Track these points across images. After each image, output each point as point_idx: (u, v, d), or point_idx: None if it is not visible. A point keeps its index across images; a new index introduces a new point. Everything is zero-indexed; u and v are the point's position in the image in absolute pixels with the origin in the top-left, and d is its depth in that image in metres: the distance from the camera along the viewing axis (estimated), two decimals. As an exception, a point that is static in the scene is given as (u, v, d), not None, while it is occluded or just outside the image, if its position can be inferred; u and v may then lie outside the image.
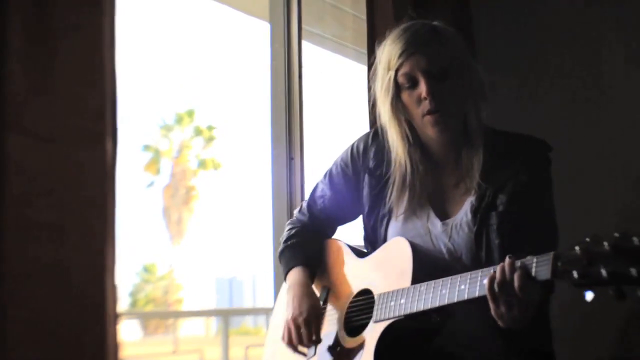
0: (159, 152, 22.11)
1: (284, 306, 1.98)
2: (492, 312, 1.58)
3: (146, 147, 22.18)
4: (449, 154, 1.88)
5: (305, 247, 2.02)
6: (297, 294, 1.93)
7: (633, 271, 1.34)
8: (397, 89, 1.83)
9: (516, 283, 1.52)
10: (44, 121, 1.47)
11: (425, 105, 1.80)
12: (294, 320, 1.89)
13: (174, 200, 21.66)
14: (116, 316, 1.59)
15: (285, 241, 2.05)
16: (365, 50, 2.56)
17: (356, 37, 2.81)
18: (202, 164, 22.11)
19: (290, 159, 2.48)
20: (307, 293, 1.93)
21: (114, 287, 1.59)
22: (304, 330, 1.88)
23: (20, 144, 1.43)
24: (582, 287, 1.40)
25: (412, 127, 1.87)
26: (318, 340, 1.88)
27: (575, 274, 1.40)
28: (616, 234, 1.38)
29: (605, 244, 1.38)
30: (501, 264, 1.55)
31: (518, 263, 1.53)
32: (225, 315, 7.19)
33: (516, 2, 3.23)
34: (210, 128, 22.17)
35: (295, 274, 1.98)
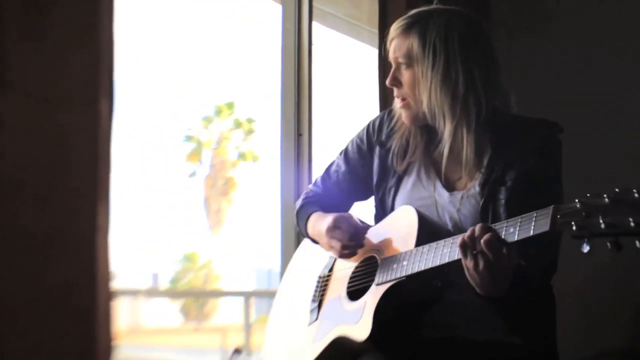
0: (200, 143, 22.31)
1: (301, 260, 2.03)
2: (465, 269, 1.61)
3: (188, 138, 22.41)
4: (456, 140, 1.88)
5: (321, 203, 2.07)
6: (320, 221, 1.96)
7: (631, 221, 1.35)
8: None
9: (483, 238, 1.56)
10: (37, 82, 1.51)
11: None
12: (328, 230, 1.90)
13: (213, 191, 21.86)
14: (109, 273, 1.62)
15: (303, 199, 2.10)
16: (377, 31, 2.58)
17: (371, 18, 2.83)
18: (241, 156, 22.28)
19: (299, 135, 2.51)
20: (327, 214, 1.96)
21: (106, 247, 1.62)
22: (344, 226, 1.89)
23: (12, 104, 1.48)
24: (580, 239, 1.41)
25: None
26: (366, 228, 1.91)
27: (573, 225, 1.41)
28: (616, 189, 1.39)
29: (605, 196, 1.39)
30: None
31: (505, 224, 1.57)
32: (249, 297, 7.25)
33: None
34: (249, 120, 22.32)
35: (315, 217, 2.01)
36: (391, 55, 1.91)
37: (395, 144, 1.95)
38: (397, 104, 1.92)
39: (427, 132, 1.93)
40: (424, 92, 1.84)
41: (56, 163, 1.53)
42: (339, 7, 2.79)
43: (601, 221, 1.38)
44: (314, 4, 2.55)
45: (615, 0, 3.15)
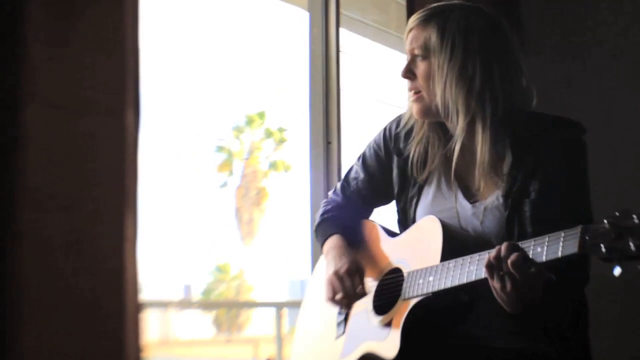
0: (231, 153, 22.40)
1: (323, 274, 1.98)
2: (492, 289, 1.59)
3: (220, 148, 22.51)
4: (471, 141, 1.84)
5: (341, 219, 2.04)
6: (336, 254, 1.93)
7: None
8: None
9: (510, 259, 1.53)
10: (62, 92, 1.50)
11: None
12: (336, 273, 1.88)
13: (244, 201, 21.92)
14: (137, 282, 1.61)
15: (322, 214, 2.07)
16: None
17: (399, 24, 2.81)
18: (272, 166, 22.32)
19: (328, 143, 2.50)
20: (346, 252, 1.94)
21: (134, 256, 1.60)
22: (348, 282, 1.86)
23: (37, 114, 1.47)
24: (610, 262, 1.38)
25: None
26: (363, 292, 1.86)
27: (603, 247, 1.38)
28: None
29: (635, 217, 1.36)
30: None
31: (532, 243, 1.54)
32: (281, 308, 7.23)
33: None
34: (280, 130, 22.37)
35: (332, 241, 1.99)
36: (407, 47, 1.88)
37: (413, 152, 1.91)
38: (409, 97, 1.89)
39: (445, 138, 1.88)
40: (439, 84, 1.80)
41: (82, 173, 1.52)
42: (366, 13, 2.78)
43: (631, 244, 1.35)
44: (341, 10, 2.54)
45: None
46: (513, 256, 1.53)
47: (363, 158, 2.05)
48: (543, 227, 1.63)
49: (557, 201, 1.73)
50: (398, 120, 1.99)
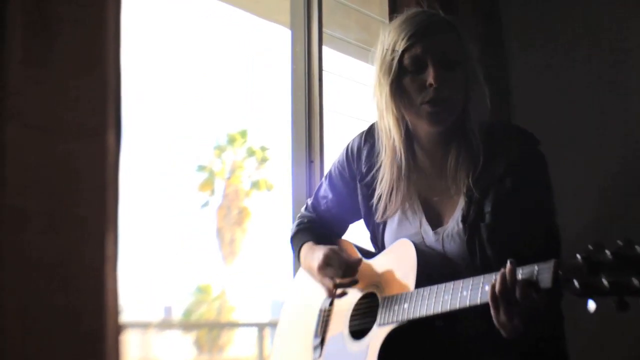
0: (213, 173, 22.31)
1: (301, 288, 1.99)
2: (494, 320, 1.54)
3: (201, 168, 22.41)
4: (437, 154, 1.83)
5: (316, 230, 2.04)
6: (313, 257, 1.91)
7: (635, 281, 1.30)
8: (400, 72, 1.76)
9: (517, 292, 1.48)
10: (42, 113, 1.48)
11: (429, 93, 1.73)
12: (319, 268, 1.86)
13: (226, 221, 21.81)
14: (117, 303, 1.58)
15: (298, 225, 2.07)
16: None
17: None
18: (255, 185, 22.24)
19: (310, 161, 2.49)
20: (321, 246, 1.92)
21: (114, 278, 1.58)
22: (336, 263, 1.85)
23: (17, 134, 1.45)
24: (583, 297, 1.36)
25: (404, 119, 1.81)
26: (359, 262, 1.85)
27: (576, 283, 1.36)
28: (619, 242, 1.34)
29: (608, 252, 1.34)
30: (502, 270, 1.51)
31: (520, 271, 1.49)
32: (262, 328, 7.20)
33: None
34: (263, 149, 22.32)
35: (308, 247, 1.98)
36: (432, 53, 1.75)
37: (378, 190, 1.87)
38: (420, 107, 1.76)
39: (415, 163, 1.85)
40: (464, 92, 1.77)
41: (63, 193, 1.51)
42: (348, 31, 2.77)
43: (604, 280, 1.33)
44: (324, 29, 2.53)
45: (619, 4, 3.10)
46: (521, 289, 1.48)
47: (330, 178, 2.04)
48: (504, 249, 1.64)
49: (512, 222, 1.71)
50: (359, 141, 1.97)
